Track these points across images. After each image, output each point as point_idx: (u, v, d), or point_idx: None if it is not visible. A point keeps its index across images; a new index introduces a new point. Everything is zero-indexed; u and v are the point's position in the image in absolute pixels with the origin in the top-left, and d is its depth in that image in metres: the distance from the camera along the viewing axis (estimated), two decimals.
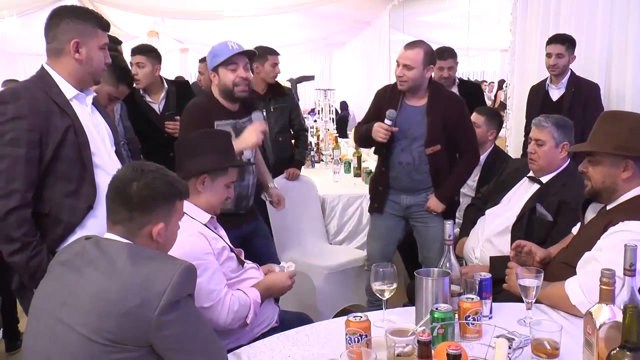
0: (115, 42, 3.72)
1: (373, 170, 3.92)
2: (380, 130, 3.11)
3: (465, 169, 3.38)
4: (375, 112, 3.31)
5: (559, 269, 2.16)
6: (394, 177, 3.30)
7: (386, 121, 3.11)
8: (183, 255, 1.87)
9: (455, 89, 4.40)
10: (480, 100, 4.63)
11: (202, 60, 4.82)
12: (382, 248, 3.48)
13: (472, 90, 4.64)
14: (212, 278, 2.06)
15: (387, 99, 3.25)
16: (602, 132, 2.10)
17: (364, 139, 3.38)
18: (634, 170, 2.02)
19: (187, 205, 2.08)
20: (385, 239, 3.48)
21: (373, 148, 3.62)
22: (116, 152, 2.33)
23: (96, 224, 2.10)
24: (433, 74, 4.24)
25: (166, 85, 3.97)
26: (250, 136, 2.77)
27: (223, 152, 2.27)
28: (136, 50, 3.91)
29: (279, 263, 3.06)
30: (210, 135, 2.35)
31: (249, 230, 3.00)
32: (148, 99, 3.90)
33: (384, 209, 3.39)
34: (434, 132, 3.18)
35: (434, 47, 4.49)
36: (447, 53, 4.39)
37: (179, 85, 4.15)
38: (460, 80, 4.62)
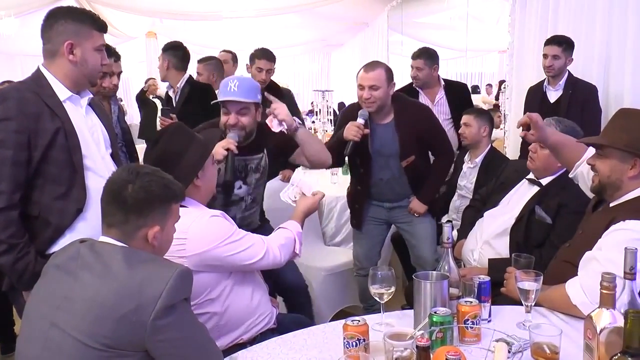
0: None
1: None
2: (352, 128, 3.07)
3: (442, 170, 3.48)
4: (342, 143, 3.21)
5: (562, 268, 2.15)
6: (376, 192, 3.35)
7: (359, 120, 3.09)
8: (215, 236, 2.00)
9: (441, 92, 4.40)
10: (467, 101, 4.58)
11: (200, 60, 4.80)
12: (367, 252, 3.53)
13: (459, 91, 4.59)
14: (250, 237, 2.13)
15: (354, 119, 3.17)
16: (616, 127, 2.09)
17: (331, 151, 3.15)
18: None
19: (192, 204, 2.11)
20: (369, 243, 3.52)
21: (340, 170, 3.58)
22: (113, 154, 2.31)
23: (86, 226, 2.09)
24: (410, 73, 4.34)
25: (180, 84, 4.11)
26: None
27: (196, 143, 2.21)
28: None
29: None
30: (172, 138, 2.20)
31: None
32: (171, 92, 4.17)
33: (363, 225, 3.44)
34: (407, 146, 3.22)
35: (436, 49, 4.50)
36: (418, 53, 4.37)
37: (194, 87, 4.17)
38: (446, 82, 4.54)
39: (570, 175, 2.42)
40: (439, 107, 4.35)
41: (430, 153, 3.45)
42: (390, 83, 3.16)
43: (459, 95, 4.43)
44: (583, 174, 2.32)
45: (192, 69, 4.53)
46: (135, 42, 9.75)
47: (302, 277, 3.05)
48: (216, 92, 4.68)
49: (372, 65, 3.17)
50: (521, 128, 2.33)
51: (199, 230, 1.99)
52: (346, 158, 3.28)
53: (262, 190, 2.98)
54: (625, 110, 2.21)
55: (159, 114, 3.90)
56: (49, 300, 1.51)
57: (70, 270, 1.51)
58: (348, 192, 3.61)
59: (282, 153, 2.92)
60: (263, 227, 3.02)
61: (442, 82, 4.45)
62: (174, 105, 4.09)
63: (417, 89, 4.40)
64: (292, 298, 3.06)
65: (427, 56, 4.34)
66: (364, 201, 3.40)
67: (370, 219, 3.44)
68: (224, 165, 2.62)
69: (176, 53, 4.12)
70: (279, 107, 2.67)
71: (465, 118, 3.86)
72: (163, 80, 4.26)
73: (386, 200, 3.37)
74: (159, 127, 4.11)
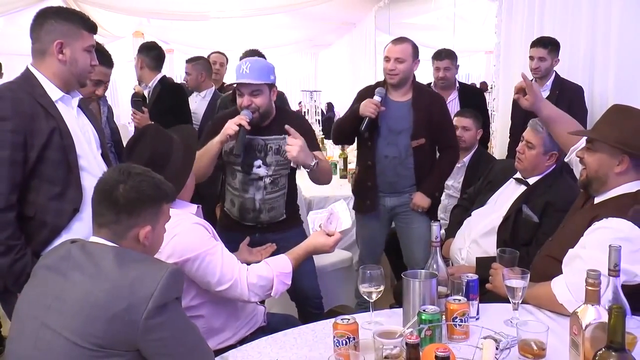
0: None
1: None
2: (370, 105, 3.13)
3: (447, 165, 3.48)
4: (357, 119, 3.27)
5: (545, 263, 2.18)
6: (379, 173, 3.33)
7: (375, 97, 3.17)
8: (188, 247, 1.96)
9: (454, 93, 4.39)
10: (481, 106, 4.43)
11: (189, 60, 4.80)
12: (372, 250, 3.54)
13: (474, 97, 4.51)
14: (223, 259, 2.05)
15: (370, 97, 3.25)
16: (608, 123, 2.11)
17: (345, 125, 3.38)
18: (628, 167, 2.03)
19: (178, 205, 2.09)
20: (374, 241, 3.53)
21: (355, 144, 3.58)
22: (103, 154, 2.31)
23: (82, 227, 2.08)
24: (432, 75, 4.36)
25: (152, 84, 4.15)
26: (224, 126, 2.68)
27: (177, 144, 2.17)
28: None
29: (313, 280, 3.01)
30: (154, 142, 2.14)
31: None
32: (146, 92, 4.23)
33: (377, 206, 3.38)
34: (419, 126, 3.25)
35: (422, 49, 4.51)
36: (444, 53, 4.37)
37: (165, 86, 4.19)
38: (460, 84, 4.53)
39: (565, 160, 2.46)
40: (450, 107, 4.30)
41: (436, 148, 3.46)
42: (415, 59, 3.27)
43: (473, 100, 4.38)
44: (578, 161, 2.34)
45: (179, 69, 4.55)
46: (123, 41, 9.68)
47: (318, 288, 3.03)
48: (204, 92, 4.71)
49: (400, 40, 3.31)
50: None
51: (177, 236, 1.96)
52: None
53: (287, 177, 2.90)
54: (619, 107, 2.22)
55: (132, 106, 3.91)
56: (40, 301, 1.51)
57: (61, 271, 1.51)
58: (356, 177, 3.56)
59: None
60: (291, 224, 2.98)
61: (457, 85, 4.46)
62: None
63: (434, 88, 4.36)
64: (304, 305, 3.05)
65: (452, 56, 4.36)
66: (375, 178, 3.34)
67: (375, 216, 3.43)
68: (235, 140, 2.69)
69: (149, 53, 4.21)
70: (293, 145, 2.58)
71: (465, 122, 3.83)
72: (138, 79, 4.38)
73: (387, 188, 3.34)
74: (130, 120, 4.16)
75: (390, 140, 3.27)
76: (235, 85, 2.80)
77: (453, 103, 4.38)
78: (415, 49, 3.28)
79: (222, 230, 2.97)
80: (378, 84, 3.35)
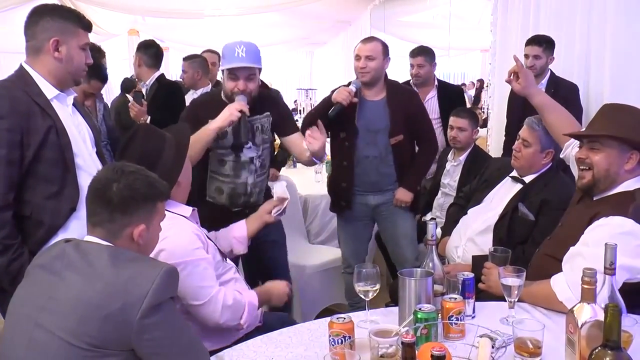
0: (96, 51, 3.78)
1: None
2: (343, 92, 3.13)
3: (426, 158, 3.51)
4: (329, 106, 3.23)
5: (544, 261, 2.17)
6: (360, 174, 3.31)
7: (351, 87, 3.16)
8: (173, 252, 1.93)
9: (433, 91, 4.40)
10: (461, 105, 4.48)
11: (186, 58, 4.79)
12: (355, 249, 3.53)
13: (452, 95, 4.54)
14: (204, 274, 2.01)
15: None
16: (608, 120, 2.06)
17: (316, 116, 3.22)
18: (636, 165, 2.01)
19: (168, 202, 2.06)
20: (357, 240, 3.52)
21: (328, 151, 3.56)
22: (97, 153, 2.30)
23: (79, 225, 2.06)
24: (410, 72, 4.38)
25: (149, 82, 4.19)
26: (223, 113, 2.66)
27: (169, 142, 2.14)
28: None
29: (287, 272, 3.09)
30: (145, 140, 2.11)
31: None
32: (144, 90, 4.28)
33: (353, 206, 3.38)
34: (396, 123, 3.24)
35: (415, 47, 4.52)
36: (417, 50, 4.39)
37: (162, 84, 4.20)
38: (440, 82, 4.53)
39: (561, 156, 2.45)
40: (428, 106, 4.30)
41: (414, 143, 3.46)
42: (385, 57, 3.26)
43: (452, 99, 4.39)
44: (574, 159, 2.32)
45: (174, 67, 4.60)
46: (118, 39, 9.67)
47: (289, 278, 3.04)
48: (200, 90, 4.70)
49: (369, 39, 3.34)
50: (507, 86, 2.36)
51: (165, 240, 1.91)
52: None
53: (269, 156, 2.97)
54: (613, 105, 2.18)
55: (131, 98, 3.94)
56: (34, 301, 1.50)
57: (55, 270, 1.50)
58: (330, 177, 3.57)
59: (279, 128, 2.96)
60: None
61: (436, 82, 4.46)
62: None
63: (412, 86, 4.39)
64: None
65: (426, 53, 4.37)
66: (351, 178, 3.32)
67: (357, 216, 3.42)
68: (235, 127, 2.72)
69: (147, 51, 4.24)
70: (317, 140, 2.72)
71: (460, 122, 3.79)
72: (137, 77, 4.43)
73: (370, 187, 3.33)
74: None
75: (369, 140, 3.26)
76: (226, 69, 2.74)
77: (432, 101, 4.38)
78: (385, 47, 3.27)
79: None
80: (350, 84, 3.29)
